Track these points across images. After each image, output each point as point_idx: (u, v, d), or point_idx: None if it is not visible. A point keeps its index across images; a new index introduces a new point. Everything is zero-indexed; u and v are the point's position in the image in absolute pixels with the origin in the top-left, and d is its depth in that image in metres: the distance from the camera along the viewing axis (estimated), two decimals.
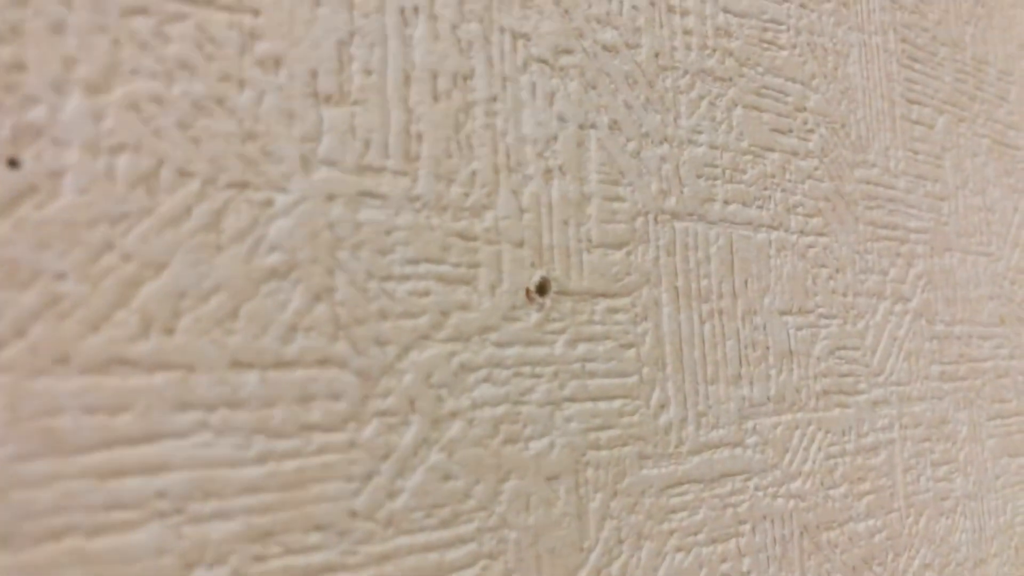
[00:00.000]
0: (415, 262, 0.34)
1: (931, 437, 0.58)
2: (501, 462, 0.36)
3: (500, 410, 0.36)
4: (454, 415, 0.35)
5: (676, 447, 0.43)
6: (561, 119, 0.40)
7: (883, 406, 0.55)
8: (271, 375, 0.31)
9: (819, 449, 0.50)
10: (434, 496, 0.34)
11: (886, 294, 0.56)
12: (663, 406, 0.42)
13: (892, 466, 0.55)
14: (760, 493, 0.47)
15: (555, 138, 0.39)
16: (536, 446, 0.37)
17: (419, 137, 0.35)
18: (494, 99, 0.37)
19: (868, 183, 0.56)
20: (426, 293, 0.35)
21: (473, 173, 0.37)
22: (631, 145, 0.42)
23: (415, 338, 0.34)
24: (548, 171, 0.39)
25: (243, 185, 0.31)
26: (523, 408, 0.37)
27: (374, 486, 0.33)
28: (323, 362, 0.32)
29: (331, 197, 0.33)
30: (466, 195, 0.36)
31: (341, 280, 0.33)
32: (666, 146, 0.44)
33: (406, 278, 0.34)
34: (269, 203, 0.31)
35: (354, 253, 0.33)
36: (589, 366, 0.40)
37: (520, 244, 0.38)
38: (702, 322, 0.45)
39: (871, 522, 0.53)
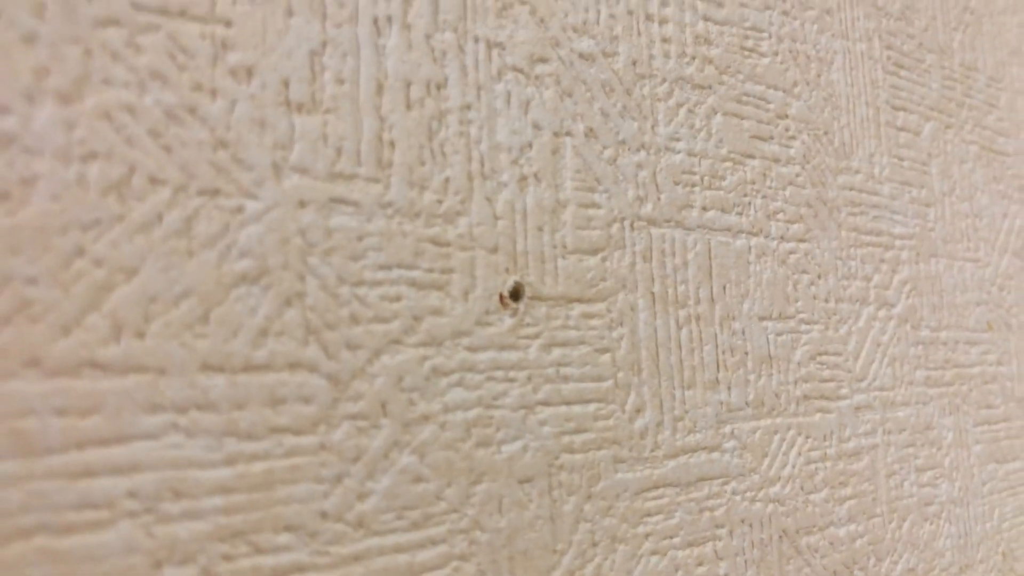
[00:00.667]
0: (387, 267, 0.35)
1: (915, 443, 0.59)
2: (473, 465, 0.37)
3: (472, 414, 0.37)
4: (426, 418, 0.36)
5: (652, 451, 0.43)
6: (536, 127, 0.40)
7: (866, 411, 0.55)
8: (241, 378, 0.31)
9: (799, 454, 0.51)
10: (405, 498, 0.35)
11: (869, 300, 0.57)
12: (638, 410, 0.43)
13: (875, 471, 0.55)
14: (738, 497, 0.47)
15: (530, 145, 0.40)
16: (509, 449, 0.38)
17: (391, 145, 0.36)
18: (468, 107, 0.38)
19: (851, 189, 0.56)
20: (398, 298, 0.35)
21: (446, 180, 0.37)
22: (607, 152, 0.43)
23: (386, 343, 0.35)
24: (523, 178, 0.40)
25: (214, 192, 0.31)
26: (496, 412, 0.38)
27: (344, 488, 0.33)
28: (293, 366, 0.32)
29: (302, 203, 0.33)
30: (439, 202, 0.37)
31: (312, 285, 0.33)
32: (643, 153, 0.45)
33: (378, 283, 0.35)
34: (240, 210, 0.32)
35: (325, 259, 0.34)
36: (563, 370, 0.40)
37: (494, 250, 0.38)
38: (679, 327, 0.45)
39: (852, 527, 0.53)
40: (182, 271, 0.31)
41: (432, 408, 0.36)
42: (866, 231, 0.57)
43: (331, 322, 0.33)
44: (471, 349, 0.37)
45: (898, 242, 0.59)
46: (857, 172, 0.57)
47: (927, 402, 0.60)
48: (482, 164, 0.38)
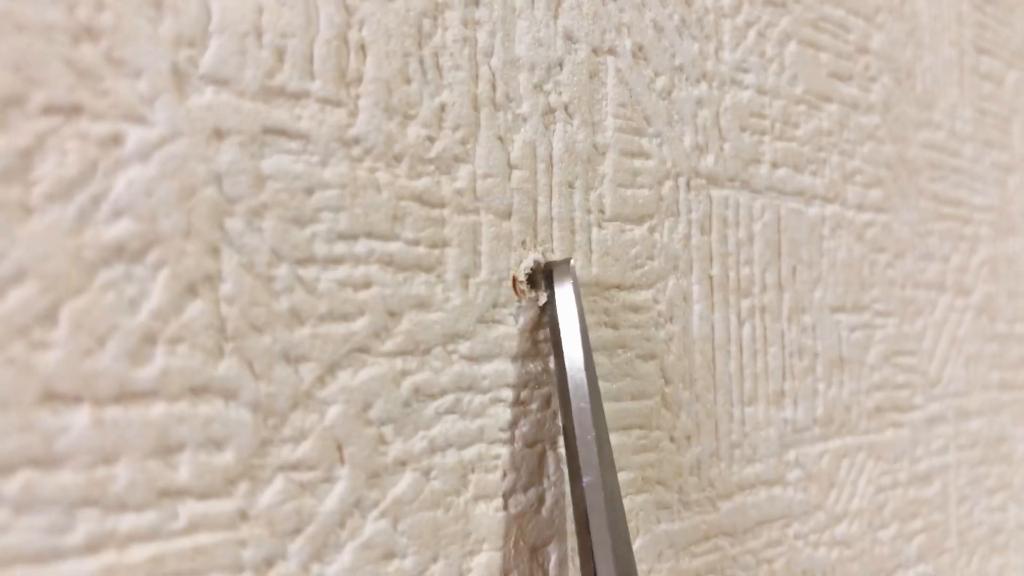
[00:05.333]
0: (350, 237, 0.23)
1: (987, 459, 0.48)
2: (470, 528, 0.25)
3: (471, 454, 0.25)
4: (403, 464, 0.24)
5: (703, 491, 0.32)
6: (569, 38, 0.28)
7: (939, 423, 0.45)
8: (111, 414, 0.19)
9: (869, 481, 0.40)
10: None
11: (947, 285, 0.46)
12: (689, 437, 0.32)
13: (946, 497, 0.45)
14: (800, 543, 0.36)
15: (559, 64, 0.28)
16: (520, 503, 0.26)
17: (362, 49, 0.23)
18: (476, 1, 0.26)
19: (933, 148, 0.45)
20: (366, 284, 0.23)
21: (441, 108, 0.25)
22: (660, 81, 0.31)
23: (347, 351, 0.23)
24: (549, 111, 0.28)
25: (73, 110, 0.19)
26: (504, 450, 0.26)
27: None
28: (198, 391, 0.20)
29: (219, 134, 0.21)
30: (430, 140, 0.25)
31: (231, 263, 0.21)
32: (704, 86, 0.33)
33: (336, 261, 0.23)
34: (116, 140, 0.20)
35: (253, 222, 0.21)
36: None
37: (506, 214, 0.26)
38: (740, 323, 0.34)
39: (921, 568, 0.43)
40: (13, 239, 0.18)
41: (413, 448, 0.24)
42: (946, 200, 0.46)
43: (260, 321, 0.21)
44: (471, 359, 0.25)
45: (977, 215, 0.49)
46: (939, 127, 0.46)
47: (1000, 409, 0.50)
48: (493, 87, 0.26)
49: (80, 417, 0.19)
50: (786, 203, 0.36)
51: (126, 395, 0.19)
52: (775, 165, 0.35)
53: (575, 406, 0.25)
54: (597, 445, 0.24)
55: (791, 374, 0.36)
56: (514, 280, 0.26)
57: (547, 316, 0.26)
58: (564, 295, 0.26)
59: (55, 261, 0.19)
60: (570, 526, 0.27)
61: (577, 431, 0.25)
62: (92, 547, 0.19)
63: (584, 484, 0.24)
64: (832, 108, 0.39)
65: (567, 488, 0.27)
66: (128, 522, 0.19)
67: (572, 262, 0.26)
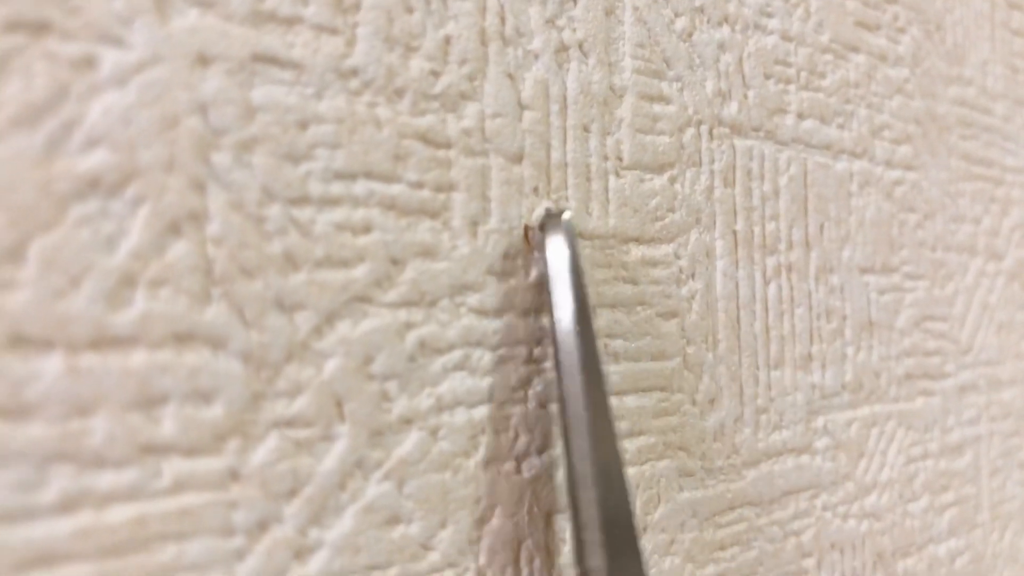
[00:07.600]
0: (348, 177, 0.21)
1: (1020, 431, 0.46)
2: (480, 493, 0.23)
3: (481, 413, 0.24)
4: (408, 423, 0.22)
5: (728, 457, 0.30)
6: None
7: (971, 393, 0.43)
8: (86, 361, 0.18)
9: (899, 451, 0.38)
10: (374, 552, 0.21)
11: (978, 249, 0.44)
12: (712, 401, 0.30)
13: (978, 469, 0.43)
14: (828, 514, 0.34)
15: None
16: (533, 467, 0.25)
17: None
18: None
19: (963, 105, 0.43)
20: (366, 229, 0.22)
21: (446, 40, 0.23)
22: (680, 22, 0.29)
23: (346, 300, 0.21)
24: (562, 48, 0.26)
25: (40, 28, 0.17)
26: (516, 410, 0.24)
27: (272, 543, 0.20)
28: (183, 338, 0.19)
29: (204, 60, 0.19)
30: (434, 74, 0.23)
31: (218, 201, 0.19)
32: (727, 29, 0.31)
33: (333, 203, 0.21)
34: (90, 63, 0.18)
35: (241, 157, 0.20)
36: (613, 345, 0.27)
37: (517, 158, 0.25)
38: (766, 281, 0.32)
39: (953, 542, 0.41)
40: None
41: (419, 406, 0.22)
42: (977, 160, 0.44)
43: (250, 265, 0.20)
44: (480, 312, 0.24)
45: (1009, 176, 0.46)
46: (970, 83, 0.44)
47: None
48: (502, 20, 0.24)
49: (52, 364, 0.17)
50: (813, 156, 0.34)
51: (103, 341, 0.18)
52: (801, 116, 0.33)
53: (565, 373, 0.23)
54: (588, 414, 0.23)
55: (819, 337, 0.34)
56: (526, 229, 0.25)
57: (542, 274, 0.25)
58: (556, 254, 0.24)
59: (22, 192, 0.17)
60: None
61: (568, 400, 0.23)
62: (67, 506, 0.17)
63: (572, 459, 0.23)
64: (859, 59, 0.37)
65: None
66: (107, 480, 0.18)
67: (566, 216, 0.24)
